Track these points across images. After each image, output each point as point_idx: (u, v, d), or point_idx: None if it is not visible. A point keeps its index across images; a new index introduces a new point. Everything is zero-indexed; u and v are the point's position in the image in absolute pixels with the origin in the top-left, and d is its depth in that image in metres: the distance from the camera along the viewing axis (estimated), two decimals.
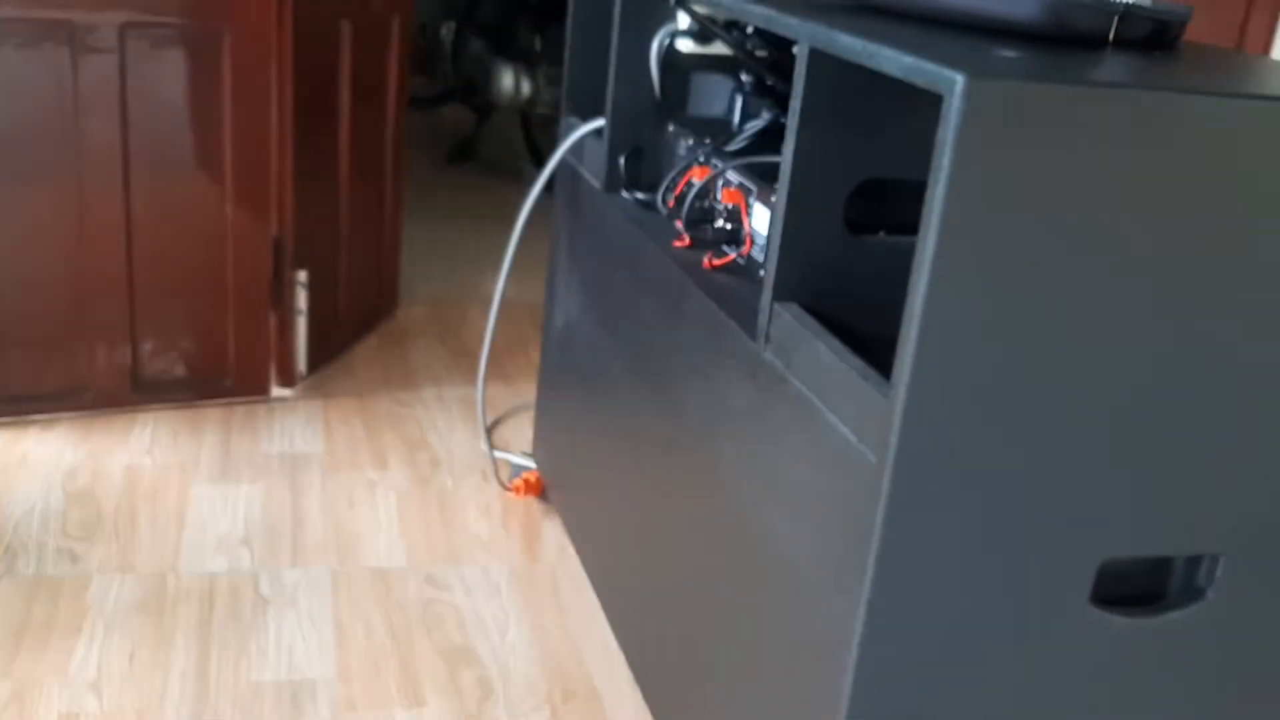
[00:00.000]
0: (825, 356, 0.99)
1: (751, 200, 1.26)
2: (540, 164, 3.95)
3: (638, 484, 1.43)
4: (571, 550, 1.85)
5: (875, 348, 1.03)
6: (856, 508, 0.93)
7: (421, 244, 3.21)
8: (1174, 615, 1.02)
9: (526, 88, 3.66)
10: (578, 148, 1.67)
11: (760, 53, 1.44)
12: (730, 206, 1.29)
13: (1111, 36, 1.04)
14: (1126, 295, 0.89)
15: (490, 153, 4.24)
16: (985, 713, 1.00)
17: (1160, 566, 1.04)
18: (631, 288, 1.45)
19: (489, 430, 2.21)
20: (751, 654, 1.13)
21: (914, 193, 1.13)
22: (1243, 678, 1.07)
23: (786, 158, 1.04)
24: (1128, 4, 1.05)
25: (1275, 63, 1.11)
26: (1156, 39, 1.09)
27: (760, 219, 1.25)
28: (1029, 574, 0.96)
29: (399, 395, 2.31)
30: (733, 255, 1.29)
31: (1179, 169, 0.86)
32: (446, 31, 3.91)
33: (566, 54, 1.72)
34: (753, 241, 1.26)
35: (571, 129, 1.69)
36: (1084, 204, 0.85)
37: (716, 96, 1.54)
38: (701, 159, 1.37)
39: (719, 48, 1.50)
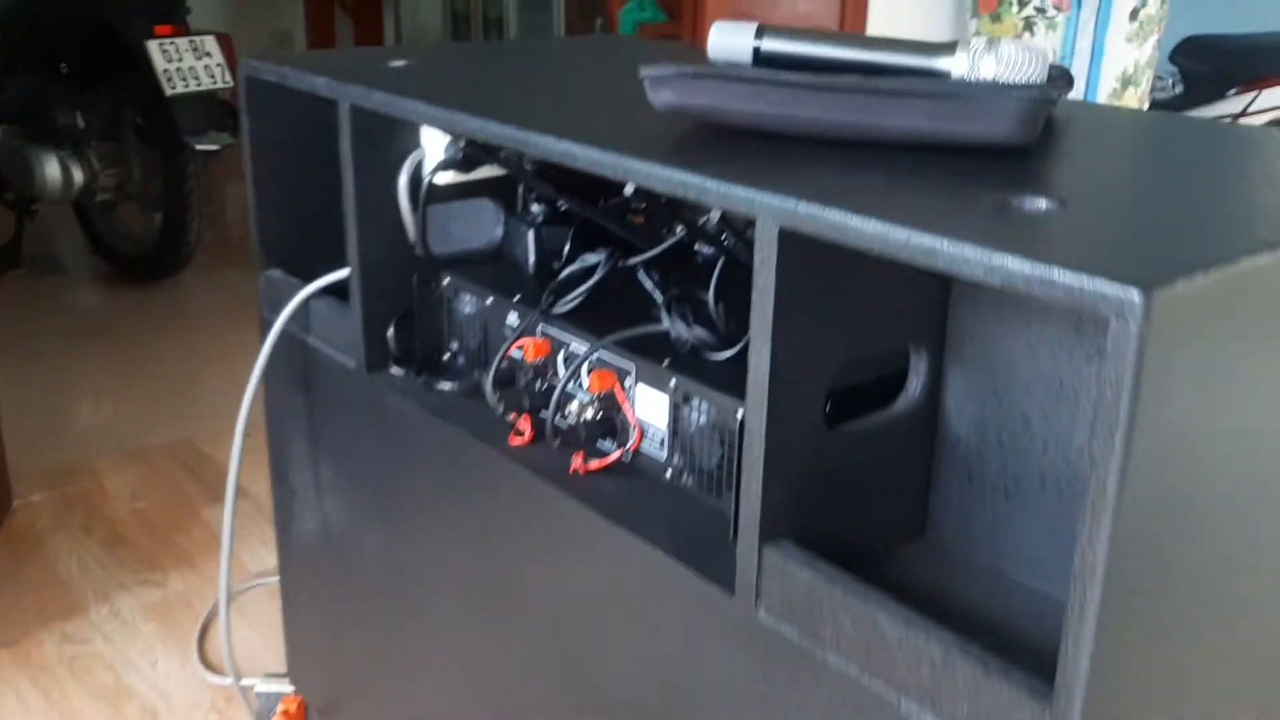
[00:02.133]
0: (893, 631, 0.75)
1: (630, 383, 0.99)
2: (109, 254, 3.36)
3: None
4: None
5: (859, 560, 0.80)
6: None
7: None
8: None
9: (79, 175, 3.06)
10: (300, 313, 1.30)
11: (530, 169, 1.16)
12: (600, 394, 1.00)
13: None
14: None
15: (34, 252, 3.56)
16: None
17: None
18: (449, 500, 1.13)
19: (198, 649, 1.77)
20: None
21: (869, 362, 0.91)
22: None
23: (763, 361, 0.78)
24: (1044, 82, 0.87)
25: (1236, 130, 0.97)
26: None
27: (648, 406, 0.98)
28: None
29: (64, 629, 1.80)
30: (617, 454, 1.00)
31: None
32: None
33: (251, 193, 1.33)
34: (643, 434, 0.99)
35: (279, 287, 1.31)
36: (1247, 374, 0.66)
37: (480, 226, 1.23)
38: (527, 329, 1.07)
39: (481, 172, 1.19)
